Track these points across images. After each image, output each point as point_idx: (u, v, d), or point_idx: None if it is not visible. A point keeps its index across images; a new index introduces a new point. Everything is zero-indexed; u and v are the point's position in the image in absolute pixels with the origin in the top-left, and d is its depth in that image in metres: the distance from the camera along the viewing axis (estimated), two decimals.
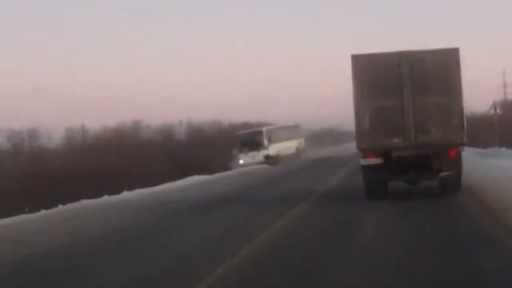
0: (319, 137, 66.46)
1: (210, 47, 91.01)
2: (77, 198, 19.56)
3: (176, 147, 42.49)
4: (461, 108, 13.18)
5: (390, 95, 13.21)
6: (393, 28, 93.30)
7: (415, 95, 13.14)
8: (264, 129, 40.21)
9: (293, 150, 41.53)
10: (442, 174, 13.24)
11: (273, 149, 38.84)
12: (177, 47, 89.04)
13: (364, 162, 13.53)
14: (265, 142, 38.70)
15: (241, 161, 37.55)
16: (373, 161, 13.38)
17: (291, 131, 42.98)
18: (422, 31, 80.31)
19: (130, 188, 22.87)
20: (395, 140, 13.21)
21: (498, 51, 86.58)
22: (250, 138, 39.22)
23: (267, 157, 38.15)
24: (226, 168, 35.48)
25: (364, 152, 13.53)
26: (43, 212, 17.26)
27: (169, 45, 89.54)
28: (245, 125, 45.70)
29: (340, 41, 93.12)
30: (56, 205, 18.55)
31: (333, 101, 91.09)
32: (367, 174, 13.56)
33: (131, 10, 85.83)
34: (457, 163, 13.29)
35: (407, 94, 13.16)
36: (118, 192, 21.83)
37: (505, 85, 53.58)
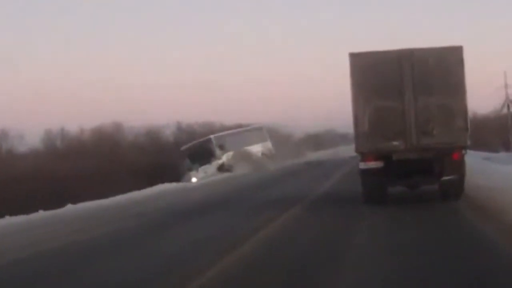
0: (310, 140, 66.42)
1: (206, 48, 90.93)
2: (28, 210, 18.04)
3: (160, 150, 40.96)
4: (464, 108, 13.14)
5: (390, 95, 13.16)
6: (393, 29, 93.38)
7: (417, 95, 13.09)
8: (213, 136, 36.50)
9: (257, 156, 38.18)
10: (444, 178, 13.18)
11: (228, 158, 35.33)
12: (170, 47, 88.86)
13: (363, 165, 13.45)
14: (216, 151, 35.25)
15: (193, 179, 33.53)
16: (373, 164, 13.30)
17: (252, 134, 39.35)
18: (423, 32, 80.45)
19: (90, 197, 21.11)
20: (396, 143, 13.15)
21: (499, 52, 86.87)
22: (198, 150, 35.69)
23: (221, 167, 34.90)
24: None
25: (363, 155, 13.47)
26: None
27: (161, 45, 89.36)
28: (238, 127, 45.38)
29: (338, 41, 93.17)
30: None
31: (331, 102, 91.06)
32: (366, 179, 13.48)
33: (123, 11, 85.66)
34: (460, 166, 13.24)
35: (408, 94, 13.11)
36: (81, 201, 20.05)
37: (506, 86, 53.95)
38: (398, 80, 13.12)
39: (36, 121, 70.12)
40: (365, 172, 13.44)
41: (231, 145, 36.36)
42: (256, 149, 38.59)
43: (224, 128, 50.39)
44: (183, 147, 37.18)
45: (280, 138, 50.04)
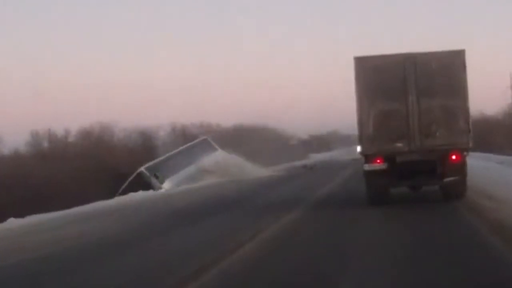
0: (312, 142, 67.17)
1: (205, 47, 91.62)
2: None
3: (150, 152, 40.04)
4: (466, 110, 14.06)
5: (394, 98, 14.08)
6: (397, 30, 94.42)
7: (420, 98, 14.01)
8: (143, 168, 33.30)
9: (234, 164, 36.19)
10: (446, 179, 14.11)
11: (171, 183, 32.77)
12: (167, 46, 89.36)
13: (367, 167, 14.36)
14: (154, 181, 32.43)
15: None
16: (377, 166, 14.21)
17: (197, 149, 37.24)
18: (428, 34, 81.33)
19: (56, 207, 19.82)
20: (400, 145, 14.07)
21: (508, 53, 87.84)
22: (135, 187, 30.92)
23: None
24: None
25: (368, 157, 14.38)
26: None
27: (158, 44, 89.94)
28: (237, 128, 45.90)
29: (341, 43, 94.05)
30: None
31: (334, 104, 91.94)
32: (370, 180, 14.42)
33: (116, 9, 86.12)
34: (462, 168, 14.15)
35: (411, 97, 14.03)
36: (43, 211, 18.70)
37: None
38: (401, 83, 14.04)
39: (26, 122, 70.50)
40: (369, 173, 14.36)
41: (171, 169, 33.86)
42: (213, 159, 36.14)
43: (219, 128, 51.15)
44: (117, 194, 31.31)
45: (279, 140, 50.91)
